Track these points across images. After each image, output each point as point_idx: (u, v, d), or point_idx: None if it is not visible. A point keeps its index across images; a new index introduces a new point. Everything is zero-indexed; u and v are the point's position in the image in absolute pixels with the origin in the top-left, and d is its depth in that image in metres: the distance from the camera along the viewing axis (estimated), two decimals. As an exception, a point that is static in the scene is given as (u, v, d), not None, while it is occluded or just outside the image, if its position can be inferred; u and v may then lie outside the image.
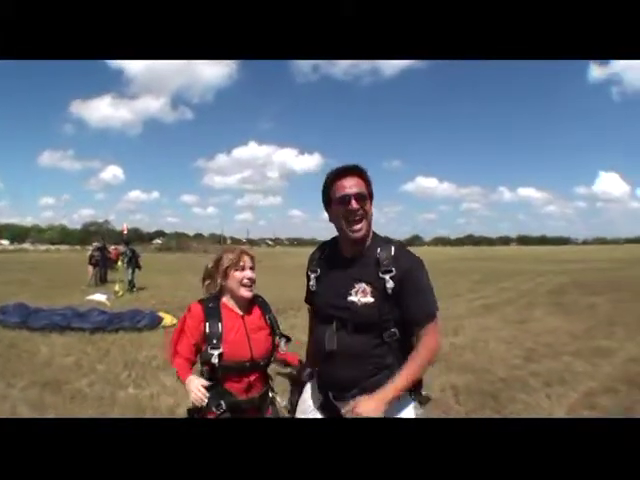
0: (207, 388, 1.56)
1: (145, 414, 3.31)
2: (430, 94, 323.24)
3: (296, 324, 5.58)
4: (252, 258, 1.74)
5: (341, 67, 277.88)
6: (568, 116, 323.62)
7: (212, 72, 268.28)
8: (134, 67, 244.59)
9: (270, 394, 1.75)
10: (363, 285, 1.40)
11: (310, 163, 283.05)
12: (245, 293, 1.68)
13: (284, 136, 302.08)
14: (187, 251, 59.20)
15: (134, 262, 11.83)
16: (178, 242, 77.45)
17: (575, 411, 3.32)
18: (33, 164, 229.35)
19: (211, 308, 1.66)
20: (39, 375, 4.20)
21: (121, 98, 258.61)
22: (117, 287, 10.82)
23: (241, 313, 1.70)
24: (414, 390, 1.44)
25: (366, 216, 1.43)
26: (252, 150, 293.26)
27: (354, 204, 1.40)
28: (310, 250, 1.69)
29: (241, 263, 1.69)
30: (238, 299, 1.70)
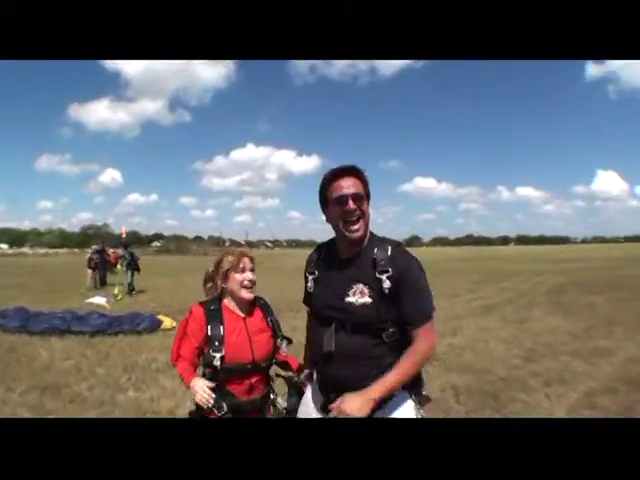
0: (211, 389, 1.57)
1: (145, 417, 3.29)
2: (427, 94, 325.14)
3: (297, 326, 5.57)
4: (252, 260, 1.75)
5: (338, 67, 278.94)
6: (565, 115, 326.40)
7: (209, 74, 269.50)
8: (131, 69, 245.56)
9: (271, 396, 1.75)
10: (361, 286, 1.39)
11: (308, 164, 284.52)
12: (246, 295, 1.69)
13: (282, 138, 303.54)
14: (186, 254, 59.18)
15: (133, 265, 11.83)
16: (177, 245, 77.54)
17: (575, 411, 3.33)
18: (31, 168, 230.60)
19: (213, 310, 1.66)
20: (39, 379, 4.19)
21: (119, 101, 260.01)
22: (116, 290, 10.80)
23: (242, 315, 1.70)
24: (414, 390, 1.44)
25: (363, 216, 1.42)
26: (250, 152, 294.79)
27: (351, 204, 1.39)
28: (308, 251, 1.69)
29: (241, 265, 1.69)
30: (239, 301, 1.70)
